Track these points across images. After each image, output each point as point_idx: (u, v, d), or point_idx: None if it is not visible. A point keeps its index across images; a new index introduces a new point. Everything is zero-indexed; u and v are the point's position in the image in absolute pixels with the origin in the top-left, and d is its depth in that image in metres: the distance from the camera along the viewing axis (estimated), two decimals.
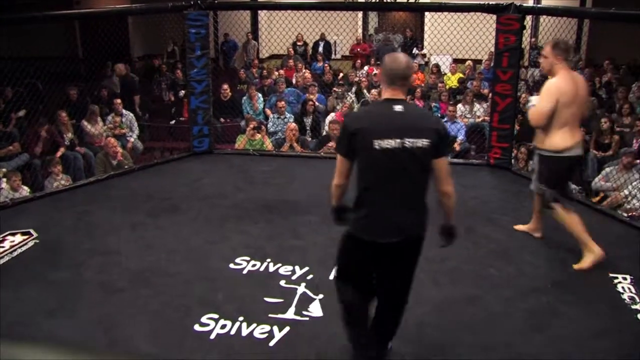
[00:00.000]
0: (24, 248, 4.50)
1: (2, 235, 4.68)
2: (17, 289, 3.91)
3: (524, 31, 5.96)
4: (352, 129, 2.75)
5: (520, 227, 4.75)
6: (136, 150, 8.22)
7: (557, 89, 3.98)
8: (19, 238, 4.65)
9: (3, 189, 6.08)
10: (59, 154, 7.34)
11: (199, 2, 6.37)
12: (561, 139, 4.00)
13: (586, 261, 4.09)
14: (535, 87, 10.61)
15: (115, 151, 6.92)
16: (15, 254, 4.41)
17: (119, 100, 8.59)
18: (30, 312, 3.63)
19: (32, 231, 4.76)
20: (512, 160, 6.41)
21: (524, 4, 6.21)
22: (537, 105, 4.02)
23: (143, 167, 6.53)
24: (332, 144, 7.26)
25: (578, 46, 12.67)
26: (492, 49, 6.94)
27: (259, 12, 13.44)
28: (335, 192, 2.97)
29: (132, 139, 8.28)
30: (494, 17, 5.99)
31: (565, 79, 4.00)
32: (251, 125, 7.63)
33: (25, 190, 6.10)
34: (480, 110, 8.96)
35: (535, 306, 3.69)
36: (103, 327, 3.48)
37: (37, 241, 4.61)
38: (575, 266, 4.12)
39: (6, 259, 4.33)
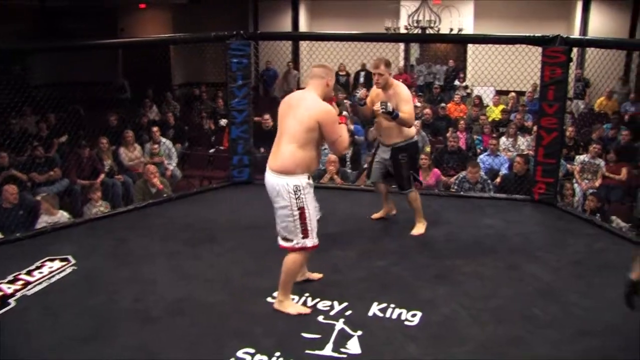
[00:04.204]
0: (62, 274, 4.54)
1: (41, 261, 4.73)
2: (54, 315, 3.95)
3: (570, 63, 5.87)
4: None
5: (376, 215, 5.63)
6: (175, 178, 8.32)
7: (410, 93, 5.05)
8: (57, 264, 4.70)
9: (42, 214, 6.20)
10: (99, 180, 7.47)
11: (241, 32, 6.46)
12: (410, 130, 5.05)
13: (422, 228, 5.28)
14: (581, 120, 10.50)
15: (154, 180, 6.99)
16: (53, 280, 4.45)
17: (156, 128, 8.73)
18: (67, 338, 3.65)
19: (70, 257, 4.81)
20: (557, 196, 6.29)
21: (571, 36, 6.11)
22: (409, 111, 4.88)
23: (182, 195, 6.57)
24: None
25: (627, 78, 12.46)
26: (536, 81, 6.87)
27: (301, 42, 13.60)
28: None
29: (171, 167, 8.38)
30: (539, 49, 5.93)
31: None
32: None
33: (62, 215, 6.19)
34: (524, 143, 8.86)
35: (585, 351, 3.55)
36: (138, 356, 3.48)
37: (75, 267, 4.66)
38: (414, 232, 5.24)
39: (44, 284, 4.38)
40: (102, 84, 12.52)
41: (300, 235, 3.74)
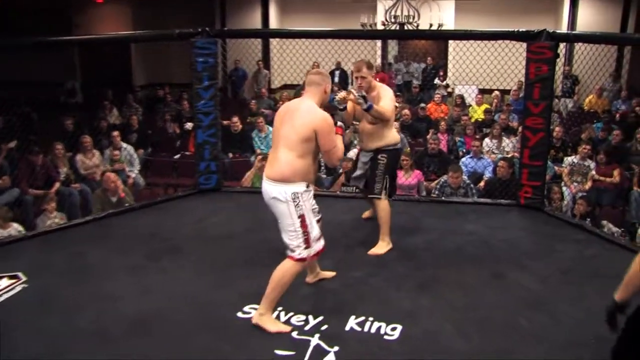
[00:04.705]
0: (10, 293, 4.43)
1: None
2: (1, 338, 3.84)
3: (557, 59, 5.91)
4: None
5: (366, 214, 5.77)
6: (137, 186, 8.24)
7: (393, 95, 5.10)
8: (5, 282, 4.58)
9: None
10: (54, 189, 7.36)
11: (207, 29, 6.42)
12: (394, 135, 5.11)
13: (383, 248, 5.09)
14: (569, 119, 10.61)
15: (115, 187, 6.92)
16: None
17: (116, 133, 8.66)
18: None
19: (20, 274, 4.70)
20: (545, 200, 6.33)
21: (558, 31, 6.15)
22: (385, 104, 4.88)
23: (144, 205, 6.51)
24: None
25: (619, 74, 12.60)
26: (521, 79, 6.92)
27: (271, 39, 13.60)
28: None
29: (133, 175, 8.30)
30: (524, 44, 5.97)
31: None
32: (260, 157, 7.57)
33: (14, 229, 6.08)
34: (509, 145, 8.91)
35: None
36: None
37: (26, 285, 4.56)
38: (372, 251, 5.05)
39: None
40: (55, 84, 12.37)
41: (303, 246, 3.81)
